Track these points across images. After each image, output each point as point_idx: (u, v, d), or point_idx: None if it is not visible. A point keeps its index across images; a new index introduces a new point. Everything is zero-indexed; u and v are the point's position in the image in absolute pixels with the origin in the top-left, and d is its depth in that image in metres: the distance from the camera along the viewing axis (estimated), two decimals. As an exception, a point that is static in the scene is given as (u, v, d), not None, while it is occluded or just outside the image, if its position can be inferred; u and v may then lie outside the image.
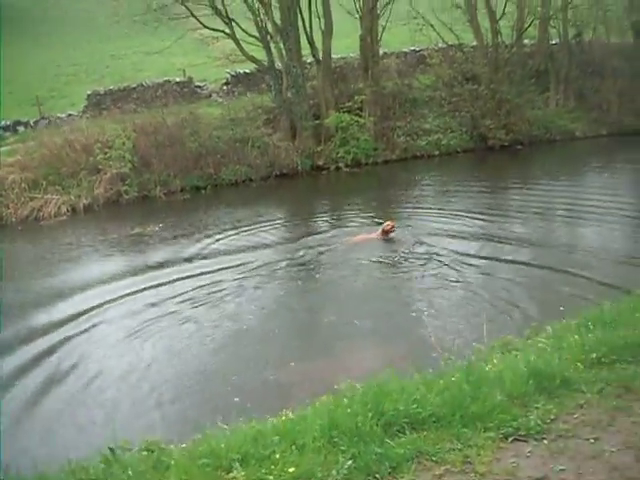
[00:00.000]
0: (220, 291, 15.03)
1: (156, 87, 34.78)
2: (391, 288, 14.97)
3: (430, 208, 22.28)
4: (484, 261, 16.16)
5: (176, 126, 28.07)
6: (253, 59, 28.95)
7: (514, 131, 31.41)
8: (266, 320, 13.64)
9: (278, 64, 29.28)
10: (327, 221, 22.14)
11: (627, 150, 32.33)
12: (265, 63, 29.16)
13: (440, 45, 33.44)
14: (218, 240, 19.69)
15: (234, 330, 12.72)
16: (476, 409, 6.15)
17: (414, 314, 13.22)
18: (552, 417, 6.13)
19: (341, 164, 28.56)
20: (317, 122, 28.80)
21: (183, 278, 15.66)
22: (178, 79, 34.86)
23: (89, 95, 33.27)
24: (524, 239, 17.96)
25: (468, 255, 16.48)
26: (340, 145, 28.60)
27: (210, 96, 34.89)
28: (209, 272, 16.08)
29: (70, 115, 32.95)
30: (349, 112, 29.12)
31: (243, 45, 29.30)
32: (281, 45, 28.40)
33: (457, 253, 16.60)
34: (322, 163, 28.53)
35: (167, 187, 26.81)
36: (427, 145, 30.50)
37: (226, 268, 16.68)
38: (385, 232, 16.61)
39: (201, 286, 15.01)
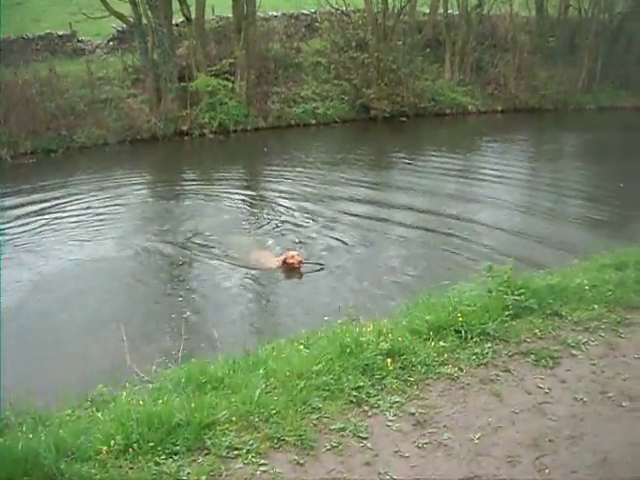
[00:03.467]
0: None
1: (37, 40, 31.03)
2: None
3: (290, 178, 20.23)
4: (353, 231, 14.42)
5: (31, 85, 24.54)
6: (119, 15, 25.45)
7: (398, 102, 28.51)
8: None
9: (145, 22, 25.69)
10: (171, 188, 19.81)
11: (519, 127, 29.86)
12: (132, 20, 25.53)
13: (329, 9, 29.81)
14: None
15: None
16: None
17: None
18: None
19: (206, 130, 25.38)
20: (183, 85, 25.31)
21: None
22: (61, 33, 31.13)
23: (-38, 47, 29.41)
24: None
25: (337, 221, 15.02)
26: (206, 110, 25.68)
27: (94, 52, 31.21)
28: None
29: (-57, 67, 29.07)
30: (217, 76, 25.75)
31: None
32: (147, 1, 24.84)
33: (324, 220, 15.08)
34: (186, 128, 25.58)
35: (17, 149, 23.24)
36: (303, 113, 27.61)
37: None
38: (286, 264, 11.56)
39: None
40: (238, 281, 11.72)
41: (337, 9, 30.18)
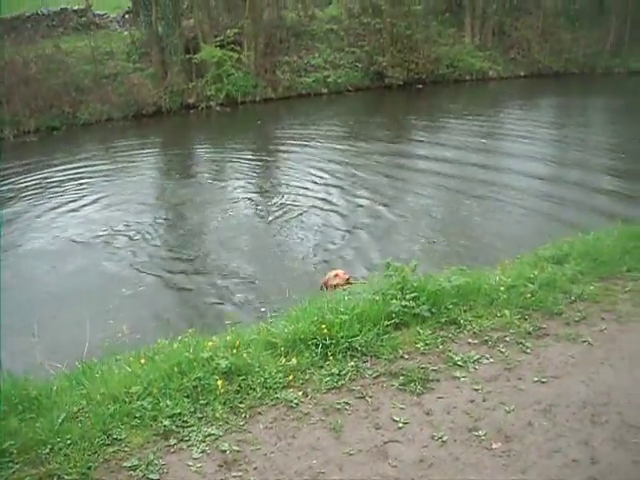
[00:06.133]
0: None
1: (52, 16, 30.38)
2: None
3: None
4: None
5: (34, 63, 23.88)
6: (120, -13, 24.51)
7: (412, 69, 26.98)
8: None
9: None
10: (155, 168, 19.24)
11: (543, 93, 28.11)
12: (135, -8, 24.67)
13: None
14: None
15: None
16: None
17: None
18: None
19: (213, 102, 24.38)
20: (189, 57, 24.33)
21: None
22: (76, 7, 30.36)
23: (-20, 25, 28.93)
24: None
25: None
26: (213, 82, 24.70)
27: (107, 26, 30.46)
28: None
29: (-37, 44, 28.61)
30: (223, 47, 24.64)
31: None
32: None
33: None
34: (193, 101, 24.59)
35: (20, 128, 22.72)
36: (314, 82, 26.45)
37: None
38: (330, 286, 8.59)
39: None
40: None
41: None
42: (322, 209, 13.70)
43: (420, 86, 27.25)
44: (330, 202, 14.11)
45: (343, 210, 13.66)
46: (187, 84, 24.65)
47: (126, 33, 28.61)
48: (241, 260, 11.39)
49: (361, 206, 13.86)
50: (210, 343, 5.19)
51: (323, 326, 5.26)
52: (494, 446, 4.29)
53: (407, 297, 5.67)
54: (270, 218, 13.32)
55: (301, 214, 13.36)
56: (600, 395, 4.73)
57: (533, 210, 13.17)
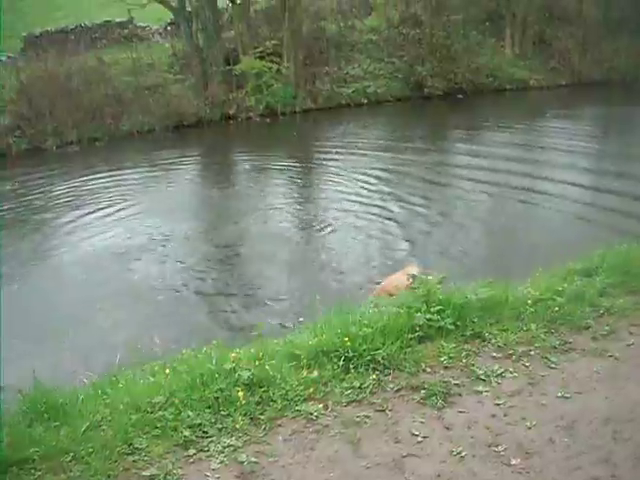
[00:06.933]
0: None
1: (95, 29, 30.95)
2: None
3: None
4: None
5: (77, 75, 24.32)
6: (162, 1, 24.84)
7: (452, 79, 26.77)
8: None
9: (189, 6, 25.13)
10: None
11: (585, 102, 27.69)
12: (174, 4, 25.00)
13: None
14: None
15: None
16: None
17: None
18: None
19: (252, 113, 24.58)
20: (229, 68, 24.60)
21: None
22: (119, 19, 30.93)
23: (25, 37, 29.63)
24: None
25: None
26: (253, 93, 24.81)
27: (149, 38, 30.95)
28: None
29: (10, 57, 29.39)
30: (263, 58, 24.82)
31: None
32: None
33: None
34: (233, 112, 24.71)
35: (63, 139, 23.16)
36: (354, 93, 26.38)
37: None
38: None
39: None
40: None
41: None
42: (362, 220, 13.67)
43: (460, 96, 27.10)
44: (371, 213, 14.08)
45: (384, 221, 13.61)
46: (227, 95, 24.84)
47: (167, 45, 28.90)
48: (279, 272, 11.45)
49: (404, 216, 13.79)
50: (233, 354, 5.22)
51: (346, 339, 5.26)
52: (513, 462, 4.25)
53: (432, 310, 5.64)
54: (309, 229, 13.32)
55: (341, 225, 13.33)
56: (624, 412, 4.64)
57: (576, 216, 13.44)
